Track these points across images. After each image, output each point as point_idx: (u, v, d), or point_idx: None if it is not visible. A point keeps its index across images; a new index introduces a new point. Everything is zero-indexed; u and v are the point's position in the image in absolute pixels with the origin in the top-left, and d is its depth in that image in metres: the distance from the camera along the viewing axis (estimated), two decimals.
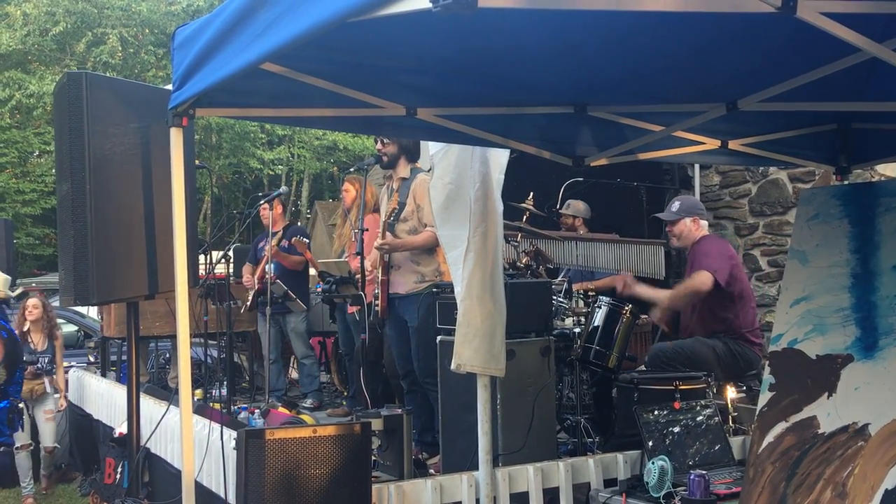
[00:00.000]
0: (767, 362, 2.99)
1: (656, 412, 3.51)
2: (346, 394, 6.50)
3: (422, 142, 4.77)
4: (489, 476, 3.38)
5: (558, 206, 5.88)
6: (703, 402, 3.70)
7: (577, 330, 4.47)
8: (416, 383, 4.76)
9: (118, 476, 5.35)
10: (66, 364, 6.93)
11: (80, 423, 6.89)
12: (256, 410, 5.30)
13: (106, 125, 3.50)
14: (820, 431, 2.67)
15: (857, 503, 2.44)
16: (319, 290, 5.91)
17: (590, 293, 4.85)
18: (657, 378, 4.01)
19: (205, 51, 2.51)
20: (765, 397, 2.89)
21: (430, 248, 4.65)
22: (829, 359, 2.78)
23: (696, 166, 7.15)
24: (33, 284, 13.87)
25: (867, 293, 2.80)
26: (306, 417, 5.39)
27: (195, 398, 5.82)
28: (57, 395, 6.50)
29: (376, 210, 5.42)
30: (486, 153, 3.46)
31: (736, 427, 4.08)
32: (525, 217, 4.78)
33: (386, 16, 1.79)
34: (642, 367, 4.59)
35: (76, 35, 19.42)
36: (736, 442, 3.79)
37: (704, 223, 4.67)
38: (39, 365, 6.34)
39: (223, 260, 6.32)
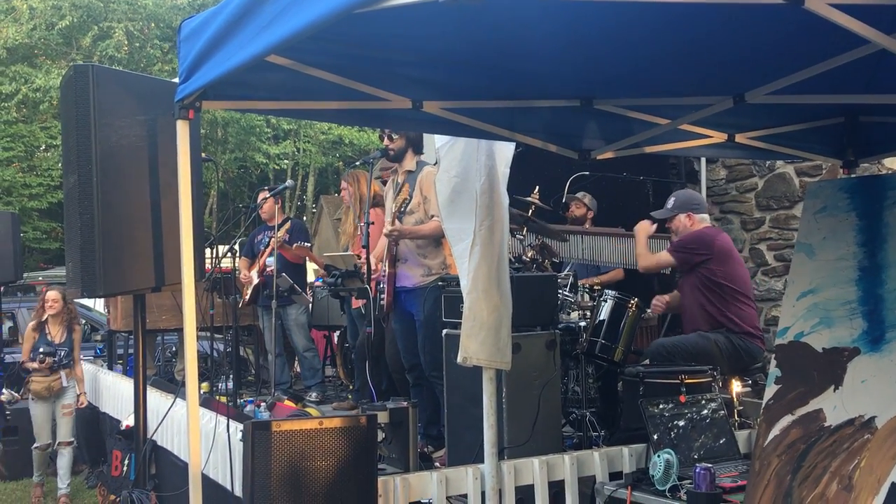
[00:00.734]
0: (773, 355, 2.98)
1: (662, 406, 3.51)
2: (351, 387, 6.51)
3: (427, 135, 4.76)
4: (495, 469, 3.39)
5: (564, 199, 5.86)
6: (708, 395, 3.69)
7: (582, 323, 4.47)
8: (421, 377, 4.77)
9: (125, 468, 5.38)
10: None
11: (87, 416, 6.92)
12: (262, 403, 5.32)
13: (113, 118, 3.50)
14: (826, 424, 2.66)
15: (863, 496, 2.43)
16: (319, 283, 5.90)
17: (595, 287, 4.85)
18: (663, 372, 4.01)
19: (211, 43, 2.52)
20: (771, 390, 2.88)
21: (437, 241, 4.65)
22: (835, 352, 2.77)
23: (703, 160, 7.13)
24: (40, 278, 13.92)
25: (874, 286, 2.79)
26: (312, 410, 5.41)
27: (201, 391, 5.84)
28: (75, 389, 6.43)
29: (377, 204, 5.42)
30: (492, 146, 3.45)
31: (741, 421, 4.07)
32: (531, 211, 4.77)
33: (392, 7, 1.79)
34: (647, 361, 4.59)
35: (82, 29, 19.46)
36: (741, 435, 3.79)
37: (701, 216, 4.63)
38: (57, 358, 6.28)
39: (229, 254, 6.33)
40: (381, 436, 3.63)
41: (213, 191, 20.10)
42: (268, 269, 6.36)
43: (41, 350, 6.24)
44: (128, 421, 5.59)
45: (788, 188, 6.56)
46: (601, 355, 4.29)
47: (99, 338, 9.16)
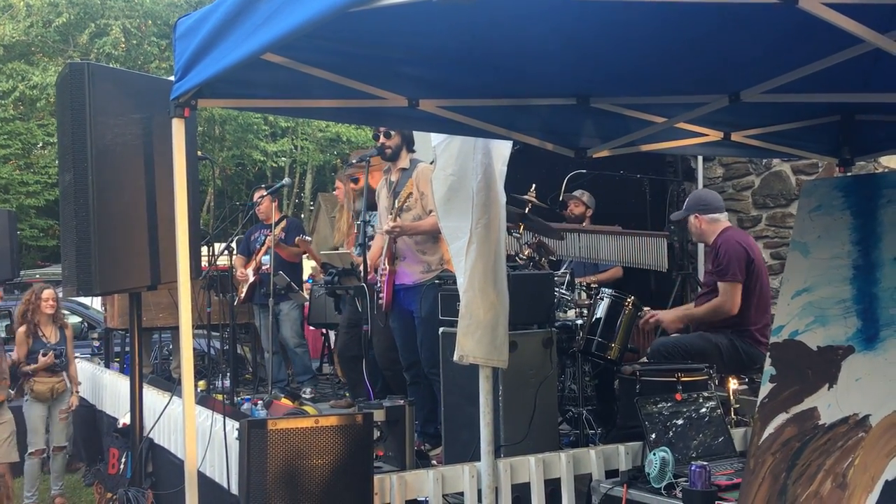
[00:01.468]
0: (768, 353, 2.99)
1: (658, 404, 3.51)
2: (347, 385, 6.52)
3: (422, 133, 4.76)
4: (491, 467, 3.39)
5: (563, 194, 5.86)
6: (705, 393, 3.70)
7: (579, 322, 4.48)
8: (419, 375, 4.77)
9: (122, 466, 5.38)
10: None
11: (84, 414, 6.91)
12: (259, 401, 5.32)
13: (108, 116, 3.49)
14: (820, 422, 2.67)
15: (857, 494, 2.44)
16: (309, 284, 5.89)
17: (592, 285, 4.86)
18: (659, 370, 4.01)
19: (207, 41, 2.51)
20: (766, 388, 2.89)
21: (435, 237, 4.66)
22: (830, 350, 2.78)
23: (700, 158, 7.13)
24: (37, 276, 13.90)
25: (868, 285, 2.80)
26: (309, 409, 5.41)
27: (198, 389, 5.84)
28: (70, 393, 6.28)
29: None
30: (488, 144, 3.45)
31: (738, 419, 4.08)
32: (527, 209, 4.78)
33: (387, 5, 1.79)
34: (644, 359, 4.59)
35: (79, 26, 19.43)
36: (738, 433, 3.80)
37: (710, 217, 4.57)
38: (60, 359, 6.10)
39: (226, 252, 6.34)
40: (376, 434, 3.63)
41: (209, 189, 20.08)
42: (263, 268, 6.36)
43: (52, 347, 6.09)
44: (124, 419, 5.59)
45: (785, 186, 6.57)
46: (597, 353, 4.29)
47: (96, 336, 9.14)
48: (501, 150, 3.48)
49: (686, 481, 2.95)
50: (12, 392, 6.49)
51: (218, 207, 20.81)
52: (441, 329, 4.22)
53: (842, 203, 3.04)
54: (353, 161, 5.90)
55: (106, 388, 6.84)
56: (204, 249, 5.39)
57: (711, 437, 3.53)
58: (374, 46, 2.70)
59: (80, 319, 9.94)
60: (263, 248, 6.40)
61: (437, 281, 4.53)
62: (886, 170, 5.61)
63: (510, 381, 3.82)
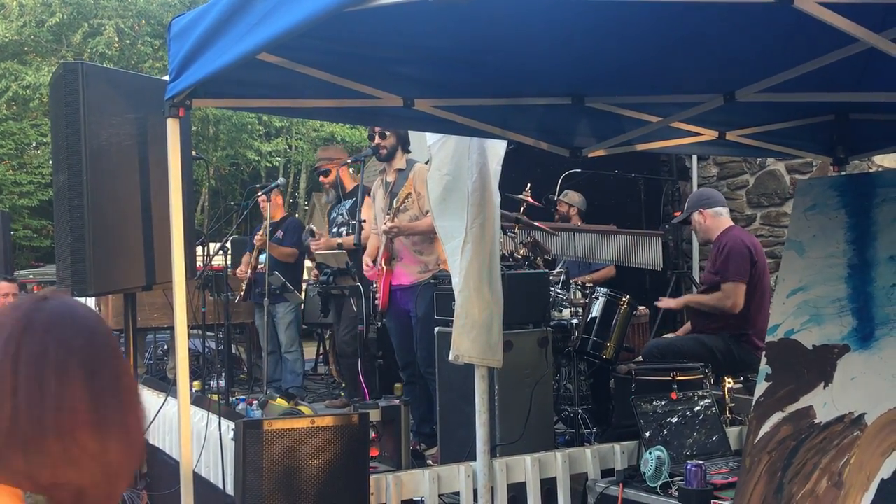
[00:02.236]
0: (764, 353, 2.99)
1: (653, 403, 3.52)
2: (344, 385, 6.50)
3: (417, 133, 4.76)
4: (487, 466, 3.39)
5: (556, 196, 5.88)
6: (700, 392, 3.70)
7: (574, 321, 4.48)
8: (415, 374, 4.77)
9: None
10: None
11: None
12: (255, 402, 5.31)
13: (102, 116, 3.48)
14: (816, 421, 2.68)
15: (853, 493, 2.45)
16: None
17: (587, 284, 4.86)
18: (654, 369, 4.02)
19: (201, 41, 2.51)
20: (761, 387, 2.89)
21: (432, 237, 4.67)
22: (825, 349, 2.79)
23: (694, 157, 7.15)
24: (30, 276, 13.85)
25: (863, 283, 2.81)
26: (305, 409, 5.39)
27: (193, 389, 5.82)
28: None
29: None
30: (483, 144, 3.45)
31: (733, 417, 4.09)
32: (522, 208, 4.78)
33: (382, 5, 1.78)
34: (640, 358, 4.60)
35: (72, 26, 19.36)
36: (733, 432, 3.80)
37: (714, 211, 4.57)
38: None
39: (221, 251, 6.32)
40: (373, 434, 3.63)
41: (204, 189, 20.03)
42: (259, 267, 6.35)
43: None
44: None
45: (779, 185, 6.59)
46: (593, 352, 4.30)
47: None
48: (496, 150, 3.48)
49: (682, 480, 2.95)
50: None
51: (212, 207, 20.78)
52: (436, 329, 4.22)
53: (837, 202, 3.05)
54: (349, 161, 5.91)
55: None
56: (199, 250, 5.38)
57: (707, 436, 3.54)
58: (369, 46, 2.70)
59: None
60: (256, 248, 6.38)
61: (432, 280, 4.53)
62: (881, 169, 5.63)
63: (506, 381, 3.82)
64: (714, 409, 3.65)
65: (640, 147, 3.85)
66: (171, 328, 5.77)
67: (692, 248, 7.10)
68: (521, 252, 4.64)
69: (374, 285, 4.90)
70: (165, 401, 4.52)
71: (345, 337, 5.42)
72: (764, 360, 2.96)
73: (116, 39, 19.39)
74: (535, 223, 4.90)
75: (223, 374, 6.15)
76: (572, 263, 5.70)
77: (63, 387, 0.70)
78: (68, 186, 3.45)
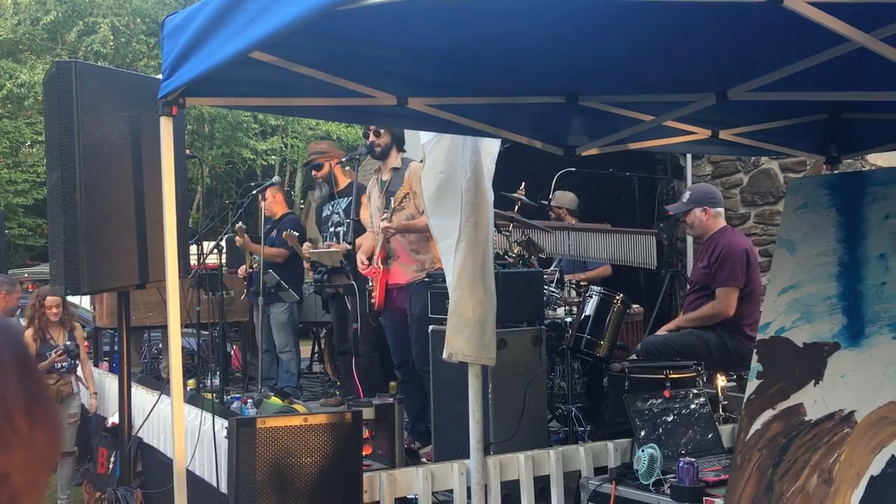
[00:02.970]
0: (755, 350, 3.01)
1: (647, 401, 3.53)
2: (338, 383, 6.50)
3: (412, 131, 4.77)
4: (480, 464, 3.40)
5: (550, 197, 5.90)
6: (693, 390, 3.72)
7: (568, 319, 4.49)
8: (410, 373, 4.78)
9: (111, 466, 5.36)
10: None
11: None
12: (249, 400, 5.31)
13: (96, 114, 3.48)
14: (806, 419, 2.69)
15: (842, 489, 2.46)
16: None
17: (581, 283, 4.87)
18: (648, 367, 4.03)
19: (194, 39, 2.51)
20: (752, 385, 2.91)
21: (429, 236, 4.67)
22: (815, 347, 2.80)
23: (688, 156, 7.16)
24: (25, 275, 13.81)
25: (854, 282, 2.82)
26: (299, 407, 5.40)
27: (188, 388, 5.81)
28: (79, 396, 6.07)
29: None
30: (477, 142, 3.46)
31: (726, 415, 4.10)
32: (517, 207, 4.79)
33: (374, 4, 1.79)
34: (633, 357, 4.61)
35: (67, 24, 19.32)
36: (726, 430, 3.82)
37: (716, 211, 4.60)
38: (71, 359, 5.93)
39: (216, 250, 6.31)
40: (367, 432, 3.64)
41: (199, 187, 20.01)
42: (253, 266, 6.34)
43: (62, 346, 5.94)
44: (113, 418, 5.57)
45: (773, 184, 6.61)
46: (587, 351, 4.31)
47: (85, 335, 9.10)
48: (490, 148, 3.49)
49: (674, 477, 2.97)
50: None
51: (207, 206, 20.75)
52: (431, 327, 4.23)
53: (828, 201, 3.07)
54: (344, 159, 5.90)
55: (95, 387, 6.80)
56: (193, 248, 5.38)
57: (700, 434, 3.55)
58: (363, 45, 2.70)
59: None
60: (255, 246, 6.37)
61: (426, 279, 4.53)
62: (874, 168, 5.65)
63: (500, 379, 3.83)
64: (707, 407, 3.66)
65: (634, 146, 3.86)
66: (166, 327, 5.76)
67: (686, 247, 7.11)
68: (516, 251, 4.65)
69: (371, 283, 4.91)
70: (159, 399, 4.52)
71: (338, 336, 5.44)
72: (755, 357, 2.97)
73: (111, 38, 19.35)
74: (529, 221, 4.91)
75: (218, 372, 6.14)
76: (567, 262, 5.71)
77: (2, 376, 0.76)
78: (61, 184, 3.45)
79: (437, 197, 3.52)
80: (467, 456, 3.45)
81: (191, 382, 6.10)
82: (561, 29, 2.58)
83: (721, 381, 4.17)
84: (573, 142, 3.83)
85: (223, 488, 3.68)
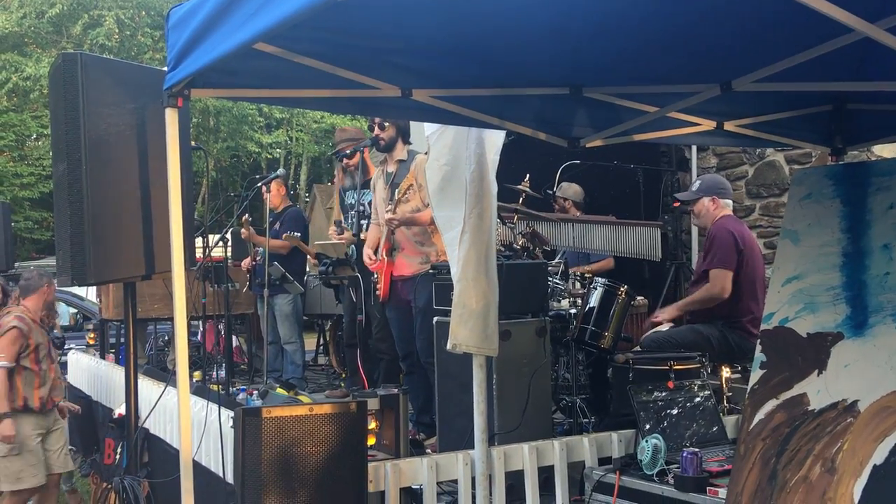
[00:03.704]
0: (759, 341, 3.01)
1: (651, 392, 3.54)
2: (344, 375, 6.53)
3: (416, 123, 4.77)
4: (485, 454, 3.42)
5: (555, 188, 5.90)
6: (697, 381, 3.72)
7: (572, 311, 4.50)
8: (415, 364, 4.79)
9: (117, 456, 5.39)
10: (67, 346, 6.74)
11: (79, 405, 6.91)
12: (255, 392, 5.33)
13: (101, 106, 3.49)
14: (810, 408, 2.70)
15: (845, 479, 2.47)
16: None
17: (586, 275, 4.88)
18: (652, 358, 4.04)
19: (199, 31, 2.51)
20: (756, 375, 2.91)
21: (433, 228, 4.68)
22: (819, 337, 2.80)
23: (693, 148, 7.15)
24: (31, 268, 13.85)
25: (858, 272, 2.82)
26: (304, 398, 5.42)
27: (194, 380, 5.85)
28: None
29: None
30: (481, 134, 3.46)
31: (730, 406, 4.11)
32: (521, 199, 4.79)
33: None
34: (637, 348, 4.62)
35: (72, 17, 19.35)
36: (730, 421, 3.82)
37: (725, 202, 4.58)
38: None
39: (221, 242, 6.33)
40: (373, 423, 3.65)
41: (204, 180, 20.05)
42: (257, 258, 6.37)
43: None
44: (120, 409, 5.60)
45: (778, 176, 6.59)
46: (591, 342, 4.32)
47: (91, 327, 9.14)
48: (494, 140, 3.49)
49: (678, 468, 2.98)
50: None
51: (212, 199, 20.76)
52: (435, 318, 4.24)
53: (832, 191, 3.06)
54: (349, 153, 5.88)
55: (101, 378, 6.85)
56: (199, 241, 5.39)
57: (704, 425, 3.56)
58: (367, 36, 2.71)
59: (75, 310, 9.93)
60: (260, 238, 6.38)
61: (431, 271, 4.54)
62: (879, 158, 5.63)
63: (504, 370, 3.84)
64: (711, 397, 3.67)
65: (638, 137, 3.85)
66: (172, 319, 5.78)
67: (691, 239, 7.11)
68: (520, 242, 4.65)
69: (375, 276, 4.92)
70: (164, 390, 4.55)
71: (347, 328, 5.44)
72: (759, 347, 2.98)
73: (116, 30, 19.37)
74: (534, 212, 4.91)
75: (223, 364, 6.17)
76: (571, 254, 5.71)
77: None
78: (68, 176, 3.47)
79: (442, 188, 3.52)
80: (472, 446, 3.46)
81: (197, 374, 6.14)
82: (563, 20, 2.58)
83: (725, 372, 4.18)
84: (577, 133, 3.83)
85: (229, 478, 3.70)
